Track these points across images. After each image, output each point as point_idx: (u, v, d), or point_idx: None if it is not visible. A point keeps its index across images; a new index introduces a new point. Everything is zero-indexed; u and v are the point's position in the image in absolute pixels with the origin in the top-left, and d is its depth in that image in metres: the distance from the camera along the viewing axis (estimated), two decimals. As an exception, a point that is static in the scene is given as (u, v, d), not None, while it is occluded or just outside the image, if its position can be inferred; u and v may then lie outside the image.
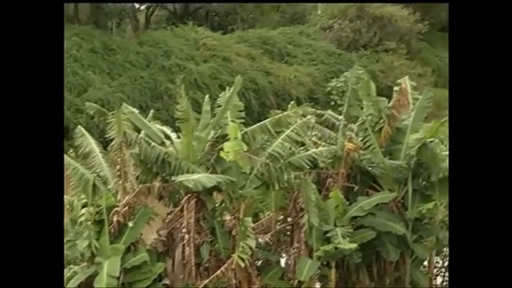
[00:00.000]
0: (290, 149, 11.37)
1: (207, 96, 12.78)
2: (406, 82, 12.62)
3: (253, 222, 11.12)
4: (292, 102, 13.83)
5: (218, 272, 10.48)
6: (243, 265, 10.39)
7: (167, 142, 11.48)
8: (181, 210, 10.81)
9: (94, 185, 10.89)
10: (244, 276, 10.73)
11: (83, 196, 11.12)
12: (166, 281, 10.84)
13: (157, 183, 10.97)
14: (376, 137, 11.92)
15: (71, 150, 11.89)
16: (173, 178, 10.42)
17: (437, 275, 13.36)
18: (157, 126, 11.88)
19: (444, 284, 13.27)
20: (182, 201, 10.84)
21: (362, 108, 12.37)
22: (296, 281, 11.32)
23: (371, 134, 11.87)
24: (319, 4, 51.79)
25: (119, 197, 10.91)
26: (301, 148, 11.91)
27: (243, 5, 48.82)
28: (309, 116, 12.44)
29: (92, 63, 29.43)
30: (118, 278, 10.24)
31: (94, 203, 10.85)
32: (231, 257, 10.49)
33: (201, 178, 10.27)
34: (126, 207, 10.71)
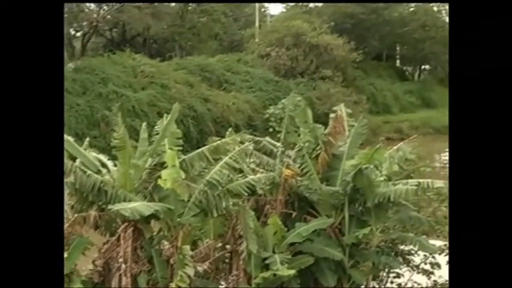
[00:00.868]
0: (228, 176, 11.37)
1: (144, 123, 12.69)
2: (341, 109, 12.85)
3: (192, 250, 11.03)
4: (230, 129, 13.88)
5: (156, 301, 10.32)
6: (181, 294, 10.25)
7: (103, 170, 11.30)
8: (118, 239, 10.62)
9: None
10: (182, 306, 10.59)
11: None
12: (103, 312, 10.60)
13: (93, 212, 10.75)
14: (313, 163, 12.05)
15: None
16: (110, 207, 10.24)
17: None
18: (93, 154, 11.69)
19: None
20: (119, 230, 10.66)
21: (299, 135, 12.51)
22: (235, 309, 11.25)
23: (308, 160, 12.00)
24: (257, 32, 52.39)
25: (53, 227, 10.63)
26: (240, 175, 11.93)
27: (182, 32, 48.89)
28: (247, 143, 12.50)
29: (26, 90, 28.81)
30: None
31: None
32: (169, 286, 10.35)
33: (138, 206, 10.13)
34: (61, 238, 10.45)
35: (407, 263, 13.22)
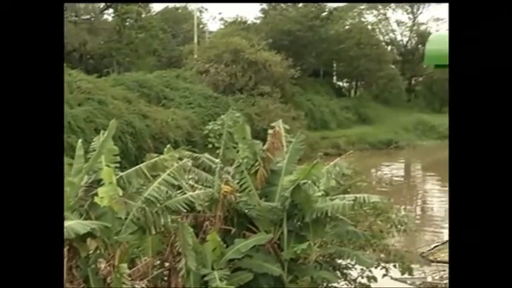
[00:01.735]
0: (167, 192, 11.28)
1: (80, 140, 12.48)
2: (279, 125, 12.98)
3: (129, 268, 10.85)
4: (168, 146, 13.78)
5: (92, 322, 10.09)
6: (118, 314, 10.07)
7: (38, 188, 11.03)
8: (53, 259, 10.37)
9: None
10: (120, 325, 10.40)
11: None
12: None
13: (27, 232, 10.47)
14: (252, 179, 12.11)
15: None
16: (44, 226, 9.99)
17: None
18: (27, 172, 11.40)
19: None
20: (54, 250, 10.40)
21: (238, 151, 12.56)
22: (174, 327, 11.12)
23: (247, 176, 12.05)
24: (196, 48, 52.40)
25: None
26: (178, 192, 11.85)
27: (119, 48, 48.43)
28: (185, 159, 12.45)
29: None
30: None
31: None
32: (106, 306, 10.16)
33: (73, 225, 9.93)
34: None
35: (345, 277, 13.39)
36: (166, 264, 11.94)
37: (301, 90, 54.20)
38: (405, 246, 18.45)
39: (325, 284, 13.22)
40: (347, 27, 64.57)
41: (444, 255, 19.78)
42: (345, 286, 13.52)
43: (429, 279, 17.40)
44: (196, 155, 13.61)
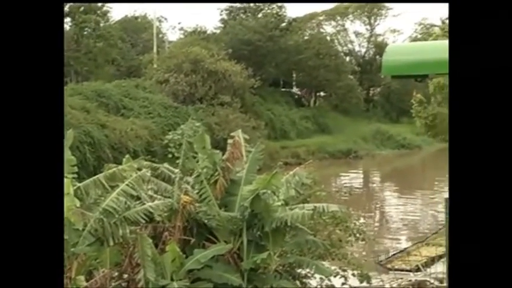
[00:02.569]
0: (125, 203, 11.18)
1: (37, 150, 12.24)
2: (239, 135, 13.00)
3: (87, 280, 10.71)
4: (127, 156, 13.68)
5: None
6: (76, 327, 9.92)
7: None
8: (8, 271, 10.16)
9: None
10: (77, 339, 10.24)
11: None
12: None
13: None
14: (212, 189, 12.09)
15: None
16: None
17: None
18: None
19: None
20: (9, 262, 10.19)
21: (198, 161, 12.53)
22: None
23: (206, 186, 12.03)
24: (155, 58, 52.18)
25: None
26: (137, 202, 11.75)
27: (77, 57, 47.88)
28: (144, 170, 12.36)
29: None
30: None
31: None
32: (63, 319, 9.99)
33: (30, 237, 9.74)
34: None
35: (304, 286, 13.45)
36: (125, 275, 11.82)
37: (261, 100, 54.40)
38: (364, 254, 18.63)
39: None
40: (306, 37, 65.14)
41: (401, 263, 20.05)
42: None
43: (387, 286, 17.59)
44: (155, 165, 13.53)
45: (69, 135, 11.23)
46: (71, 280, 10.32)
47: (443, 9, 76.84)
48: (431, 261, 19.63)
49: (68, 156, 11.31)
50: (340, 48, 71.96)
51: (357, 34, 74.56)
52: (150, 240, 11.24)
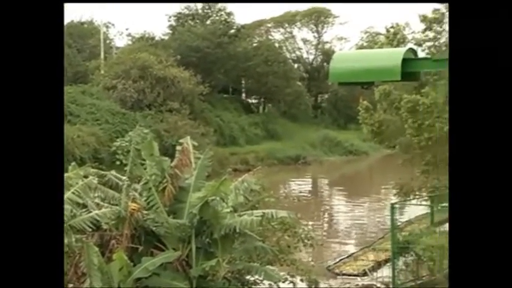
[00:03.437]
0: (71, 211, 10.99)
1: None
2: (188, 142, 12.94)
3: (32, 291, 10.47)
4: (73, 163, 13.44)
5: None
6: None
7: None
8: None
9: None
10: None
11: None
12: None
13: None
14: (160, 196, 11.99)
15: None
16: None
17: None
18: None
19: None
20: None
21: (146, 168, 12.41)
22: None
23: (155, 193, 11.92)
24: (102, 64, 51.54)
25: None
26: (83, 210, 11.57)
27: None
28: (91, 177, 12.18)
29: None
30: None
31: None
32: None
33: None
34: None
35: (254, 292, 13.46)
36: (70, 285, 11.59)
37: (210, 107, 54.34)
38: (312, 260, 18.78)
39: (234, 300, 13.26)
40: (255, 44, 65.43)
41: (349, 268, 20.28)
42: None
43: (335, 291, 17.78)
44: (102, 172, 13.35)
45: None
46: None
47: (388, 18, 78.47)
48: (378, 265, 19.94)
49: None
50: (288, 55, 72.53)
51: (304, 41, 75.38)
52: (97, 249, 11.06)
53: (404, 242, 16.83)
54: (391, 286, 16.75)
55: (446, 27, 28.31)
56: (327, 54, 68.42)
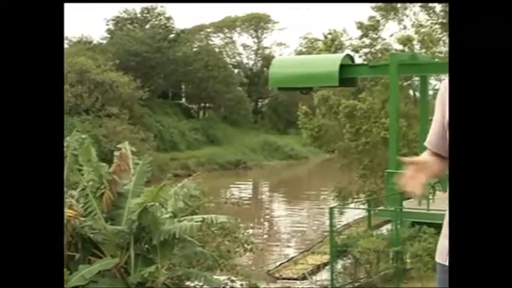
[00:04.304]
0: (5, 219, 10.69)
1: None
2: (126, 147, 12.79)
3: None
4: (7, 170, 13.09)
5: None
6: None
7: None
8: None
9: None
10: None
11: None
12: None
13: None
14: (98, 202, 11.80)
15: None
16: None
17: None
18: None
19: None
20: None
21: (83, 174, 12.20)
22: None
23: (92, 200, 11.73)
24: (38, 68, 50.32)
25: None
26: (18, 218, 11.27)
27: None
28: (25, 184, 11.88)
29: None
30: None
31: None
32: None
33: None
34: None
35: (194, 298, 13.41)
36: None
37: (150, 112, 53.86)
38: (252, 264, 18.84)
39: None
40: (195, 49, 65.25)
41: (289, 272, 20.44)
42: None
43: (276, 295, 17.89)
44: (38, 178, 13.04)
45: None
46: None
47: (326, 25, 79.60)
48: (317, 268, 20.18)
49: None
50: (228, 60, 72.62)
51: (244, 47, 75.66)
52: (32, 257, 10.80)
53: (343, 246, 17.09)
54: (330, 289, 16.97)
55: (381, 34, 29.00)
56: (267, 60, 68.80)
